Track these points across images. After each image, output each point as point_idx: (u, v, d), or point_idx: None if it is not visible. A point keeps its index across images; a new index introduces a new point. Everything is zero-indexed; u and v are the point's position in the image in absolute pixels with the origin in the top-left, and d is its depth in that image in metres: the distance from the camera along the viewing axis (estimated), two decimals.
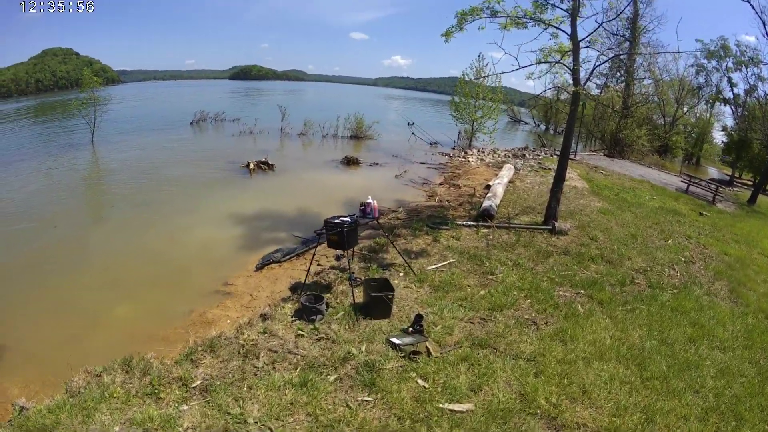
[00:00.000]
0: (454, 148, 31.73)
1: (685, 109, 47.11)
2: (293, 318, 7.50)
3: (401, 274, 9.29)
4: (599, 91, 37.34)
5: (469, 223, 12.88)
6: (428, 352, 6.50)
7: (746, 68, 39.14)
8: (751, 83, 39.16)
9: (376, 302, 7.40)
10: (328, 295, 8.34)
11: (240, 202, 16.41)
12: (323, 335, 6.91)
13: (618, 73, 38.81)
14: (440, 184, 20.29)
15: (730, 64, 40.96)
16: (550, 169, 22.82)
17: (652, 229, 14.62)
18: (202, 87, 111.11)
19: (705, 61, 42.66)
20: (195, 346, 6.69)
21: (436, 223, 12.72)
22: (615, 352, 6.93)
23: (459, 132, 34.79)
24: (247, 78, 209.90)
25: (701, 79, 44.26)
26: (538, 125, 65.92)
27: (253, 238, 12.92)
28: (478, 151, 29.69)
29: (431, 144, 33.24)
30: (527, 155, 28.86)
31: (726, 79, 42.51)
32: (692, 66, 43.83)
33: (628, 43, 29.96)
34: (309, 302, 7.62)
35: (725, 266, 12.03)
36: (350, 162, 24.34)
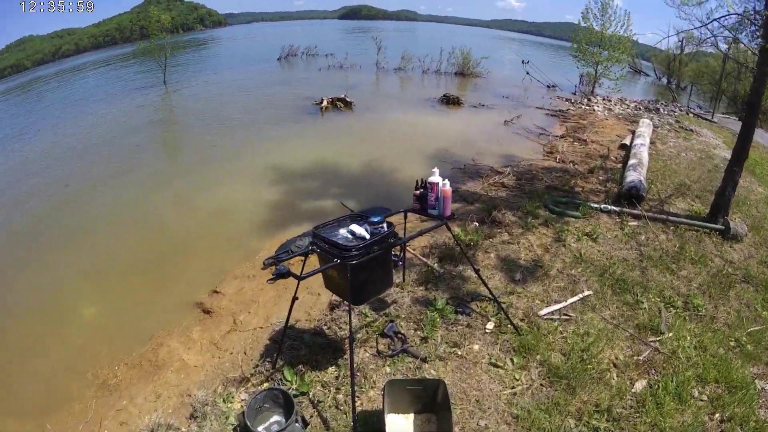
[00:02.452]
0: (575, 93, 25.67)
1: None
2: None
3: (489, 325, 4.80)
4: (726, 47, 30.08)
5: (610, 207, 8.09)
6: None
7: None
8: None
9: None
10: (329, 372, 4.16)
11: (293, 149, 12.57)
12: None
13: (753, 27, 30.75)
14: (561, 137, 14.92)
15: None
16: (692, 130, 16.89)
17: None
18: (309, 26, 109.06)
19: None
20: None
21: (560, 203, 8.20)
22: None
23: (581, 75, 28.34)
24: (357, 18, 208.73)
25: None
26: (660, 78, 57.63)
27: (287, 206, 9.04)
28: (604, 100, 23.59)
29: (549, 87, 27.04)
30: (661, 110, 22.44)
31: None
32: None
33: None
34: (254, 417, 3.57)
35: None
36: (450, 101, 19.49)
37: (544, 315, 5.00)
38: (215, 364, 4.86)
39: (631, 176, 9.18)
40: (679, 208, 8.80)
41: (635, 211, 8.03)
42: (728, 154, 13.97)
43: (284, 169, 10.77)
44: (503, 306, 4.88)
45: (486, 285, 4.69)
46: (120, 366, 5.11)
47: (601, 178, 10.28)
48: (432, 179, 4.17)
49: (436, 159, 11.56)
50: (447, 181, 4.16)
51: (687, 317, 5.27)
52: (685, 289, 5.89)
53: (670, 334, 4.89)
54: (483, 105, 19.90)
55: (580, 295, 5.40)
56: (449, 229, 4.37)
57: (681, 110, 23.70)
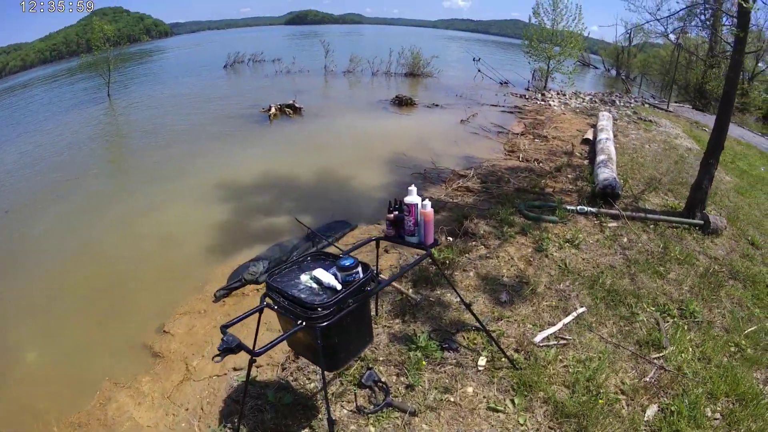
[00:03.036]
0: (528, 89, 25.51)
1: (761, 65, 39.26)
2: None
3: (481, 361, 4.19)
4: (676, 37, 30.69)
5: (586, 209, 7.65)
6: None
7: None
8: None
9: None
10: None
11: (240, 162, 11.88)
12: None
13: (703, 17, 31.12)
14: (521, 134, 14.52)
15: None
16: (651, 121, 17.00)
17: None
18: (256, 33, 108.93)
19: None
20: None
21: (534, 207, 7.79)
22: None
23: (533, 71, 28.33)
24: (304, 23, 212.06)
25: None
26: (609, 70, 58.62)
27: (238, 227, 8.32)
28: (558, 94, 23.56)
29: (501, 83, 26.87)
30: (617, 101, 22.48)
31: None
32: None
33: None
34: None
35: None
36: (402, 103, 19.01)
37: (539, 342, 4.43)
38: (169, 423, 4.10)
39: (604, 173, 8.81)
40: (654, 203, 8.51)
41: (613, 211, 7.65)
42: (690, 144, 13.98)
43: (232, 184, 10.03)
44: (494, 336, 4.26)
45: (476, 317, 4.03)
46: (67, 428, 4.38)
47: (570, 176, 9.86)
48: (409, 199, 3.45)
49: (392, 164, 11.10)
50: (428, 202, 3.45)
51: (685, 326, 4.90)
52: (677, 294, 5.54)
53: (672, 348, 4.48)
54: (437, 105, 19.50)
55: (574, 314, 4.87)
56: (434, 261, 3.72)
57: (636, 101, 23.83)
